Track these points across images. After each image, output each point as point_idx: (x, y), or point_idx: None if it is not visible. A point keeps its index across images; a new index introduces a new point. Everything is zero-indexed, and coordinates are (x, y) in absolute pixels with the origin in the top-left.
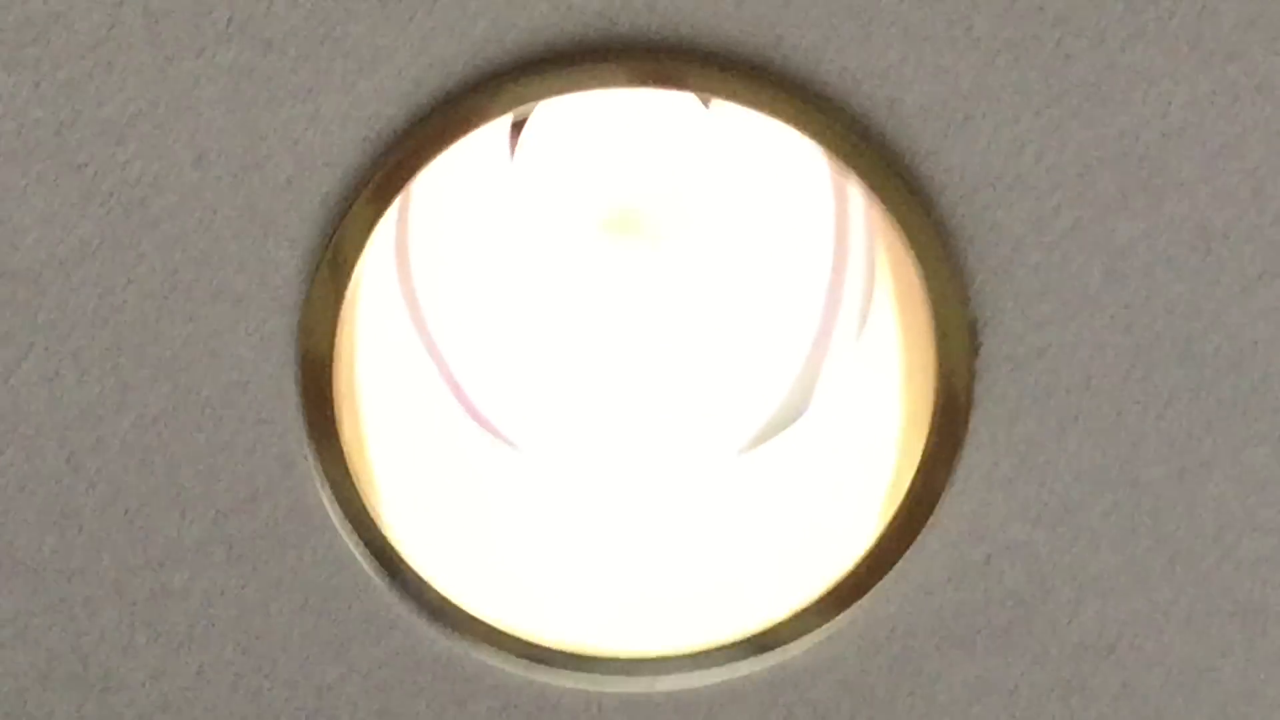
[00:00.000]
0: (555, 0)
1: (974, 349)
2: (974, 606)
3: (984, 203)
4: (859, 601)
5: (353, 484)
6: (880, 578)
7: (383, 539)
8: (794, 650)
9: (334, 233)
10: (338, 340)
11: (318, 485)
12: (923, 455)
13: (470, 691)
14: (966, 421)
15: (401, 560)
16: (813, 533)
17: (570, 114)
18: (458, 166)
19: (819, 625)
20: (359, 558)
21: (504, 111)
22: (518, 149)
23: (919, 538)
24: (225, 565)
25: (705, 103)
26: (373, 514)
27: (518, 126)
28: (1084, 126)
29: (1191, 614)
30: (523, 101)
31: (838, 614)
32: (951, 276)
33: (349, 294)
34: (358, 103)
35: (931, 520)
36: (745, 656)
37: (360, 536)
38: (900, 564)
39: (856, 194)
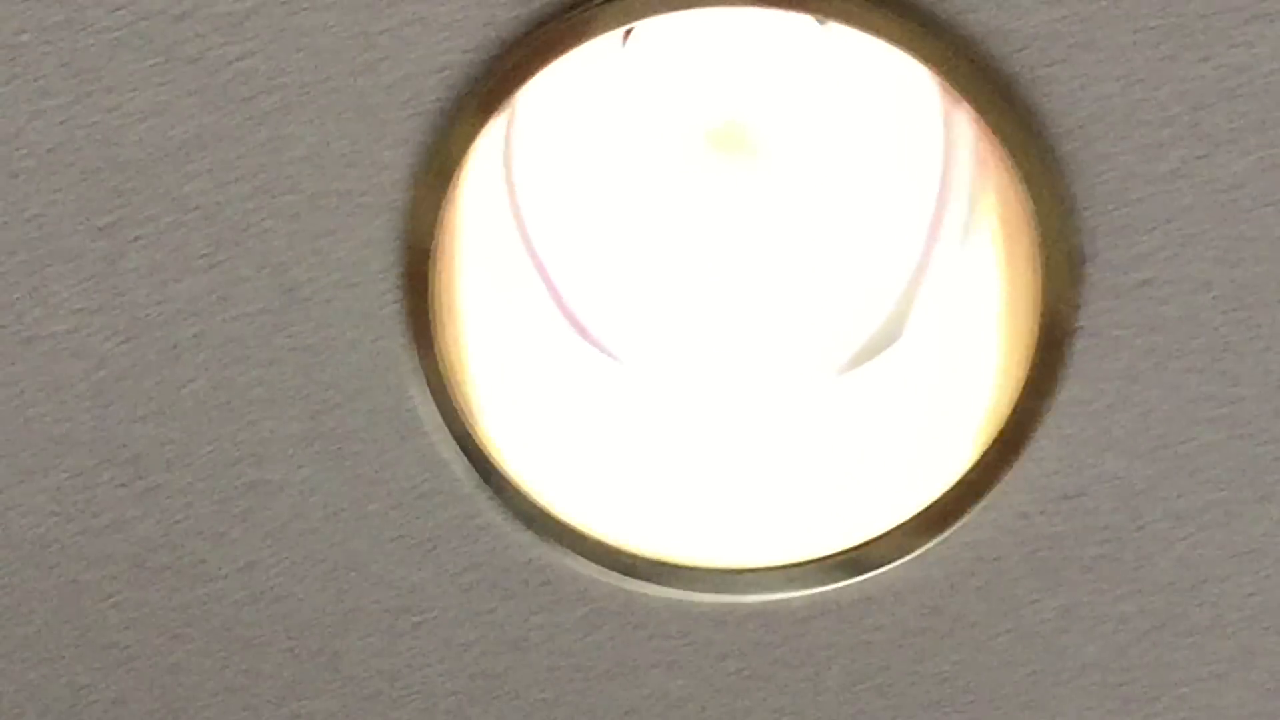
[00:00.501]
0: None
1: (1078, 279)
2: (1066, 537)
3: (1094, 133)
4: (952, 526)
5: (449, 387)
6: (974, 504)
7: (477, 442)
8: (886, 571)
9: (441, 137)
10: (440, 244)
11: (416, 387)
12: (1022, 383)
13: (560, 597)
14: (1067, 351)
15: (495, 464)
16: (908, 456)
17: (682, 27)
18: (568, 76)
19: (912, 548)
20: (453, 460)
21: (617, 25)
22: (628, 60)
23: (1014, 466)
24: (321, 462)
25: (820, 22)
26: (468, 418)
27: (628, 35)
28: (1197, 61)
29: None
30: (636, 15)
31: (931, 538)
32: (1058, 205)
33: (453, 198)
34: (471, 8)
35: (1027, 449)
36: (836, 574)
37: (455, 439)
38: (994, 491)
39: (966, 120)
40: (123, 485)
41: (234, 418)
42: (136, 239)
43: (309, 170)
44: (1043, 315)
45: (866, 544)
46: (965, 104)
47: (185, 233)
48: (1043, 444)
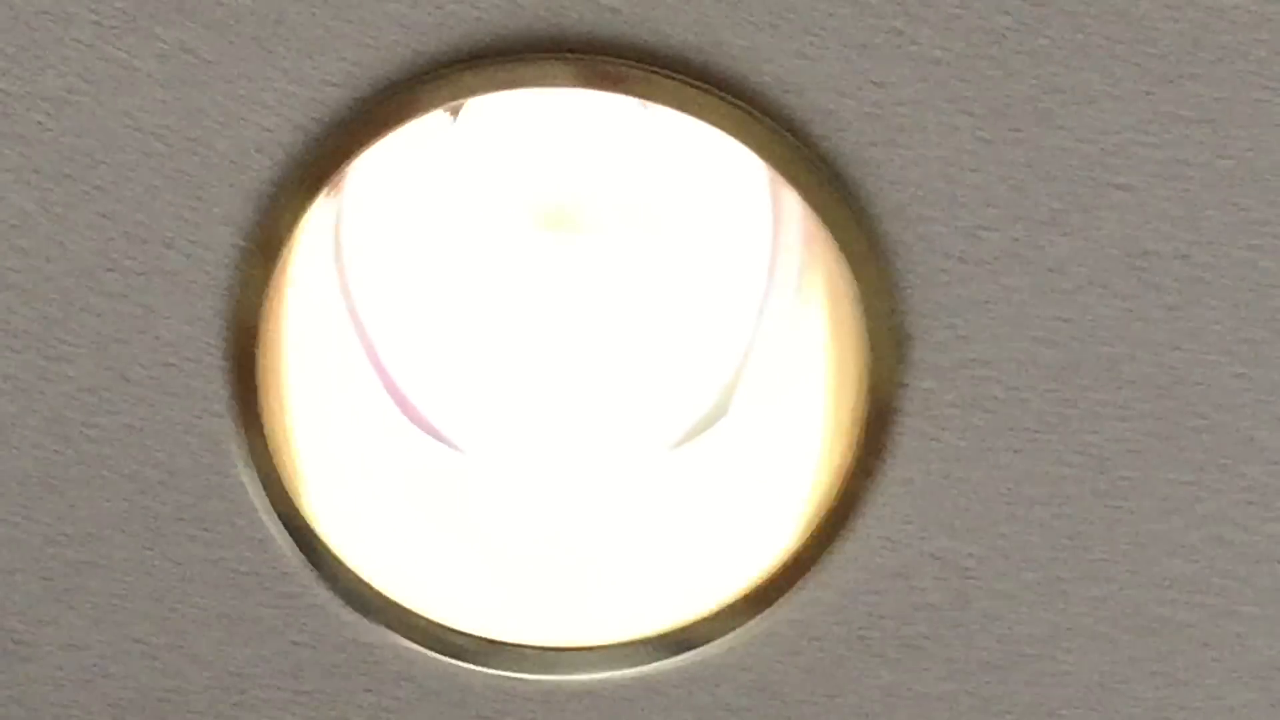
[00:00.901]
0: None
1: (902, 358)
2: (891, 615)
3: (918, 214)
4: (777, 604)
5: (274, 465)
6: (799, 581)
7: (303, 522)
8: (711, 649)
9: (267, 215)
10: (267, 323)
11: (241, 467)
12: (847, 462)
13: (385, 676)
14: (891, 431)
15: (321, 544)
16: (734, 533)
17: (508, 106)
18: (396, 154)
19: (736, 626)
20: (278, 539)
21: (443, 103)
22: (457, 138)
23: (839, 544)
24: (146, 541)
25: (644, 105)
26: (294, 497)
27: (456, 113)
28: (1020, 143)
29: (1105, 632)
30: (462, 94)
31: (755, 615)
32: (883, 286)
33: (280, 277)
34: (298, 86)
35: (852, 527)
36: (662, 653)
37: (281, 519)
38: (819, 569)
39: (791, 202)
40: None
41: (58, 497)
42: None
43: (134, 249)
44: (868, 394)
45: (692, 623)
46: (790, 186)
47: (9, 311)
48: (867, 522)
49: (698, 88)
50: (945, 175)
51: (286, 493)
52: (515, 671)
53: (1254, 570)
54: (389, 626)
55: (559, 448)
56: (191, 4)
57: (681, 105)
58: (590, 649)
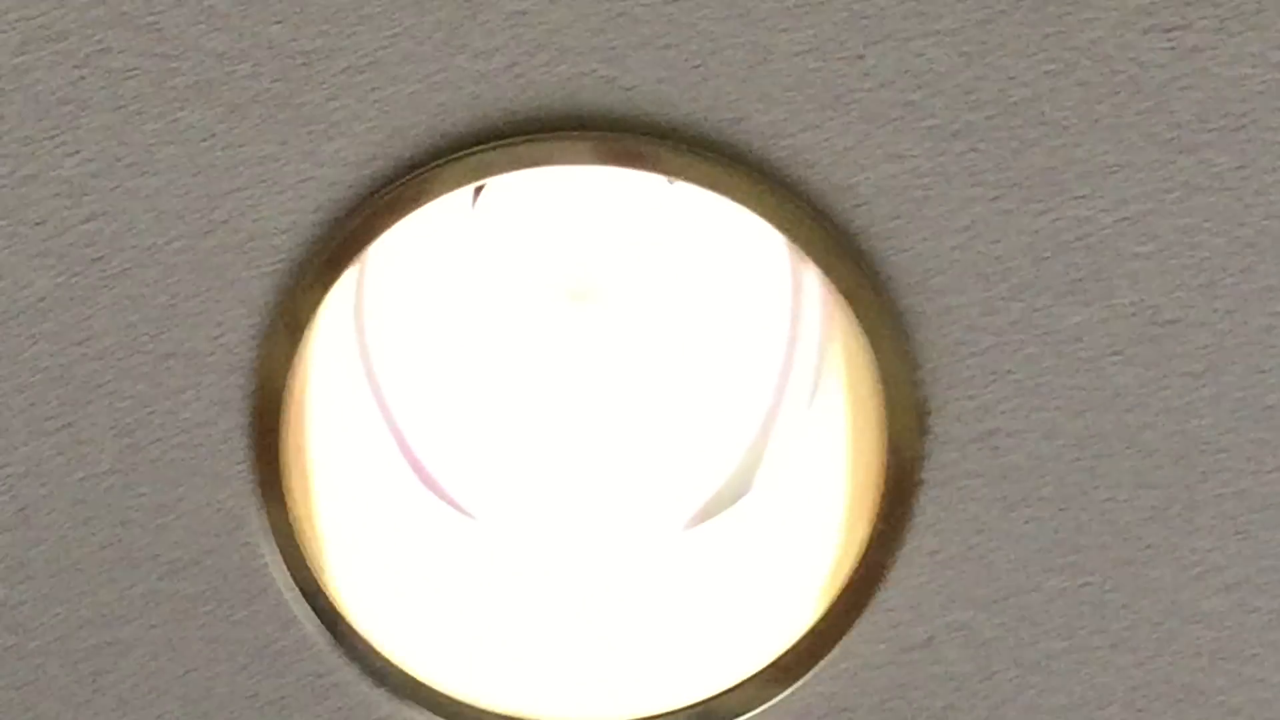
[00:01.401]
0: (519, 75)
1: (923, 430)
2: (916, 686)
3: (936, 286)
4: (802, 677)
5: (299, 545)
6: (823, 655)
7: (327, 600)
8: None
9: (288, 296)
10: (289, 402)
11: (265, 546)
12: (869, 534)
13: None
14: (913, 502)
15: (345, 621)
16: (759, 607)
17: (531, 185)
18: (419, 232)
19: (762, 700)
20: (303, 618)
21: (464, 183)
22: (478, 219)
23: (863, 616)
24: (171, 621)
25: (667, 180)
26: (318, 575)
27: (478, 192)
28: (1037, 214)
29: (1131, 701)
30: (483, 174)
31: (780, 689)
32: (902, 358)
33: (302, 356)
34: (317, 167)
35: (876, 599)
36: None
37: (305, 597)
38: (843, 642)
39: (811, 275)
40: None
41: (83, 579)
42: None
43: (156, 330)
44: (888, 467)
45: (717, 696)
46: (809, 259)
47: (32, 394)
48: (890, 594)
49: (717, 163)
50: (963, 247)
51: (310, 570)
52: None
53: None
54: (415, 703)
55: (582, 522)
56: (211, 88)
57: (701, 181)
58: None
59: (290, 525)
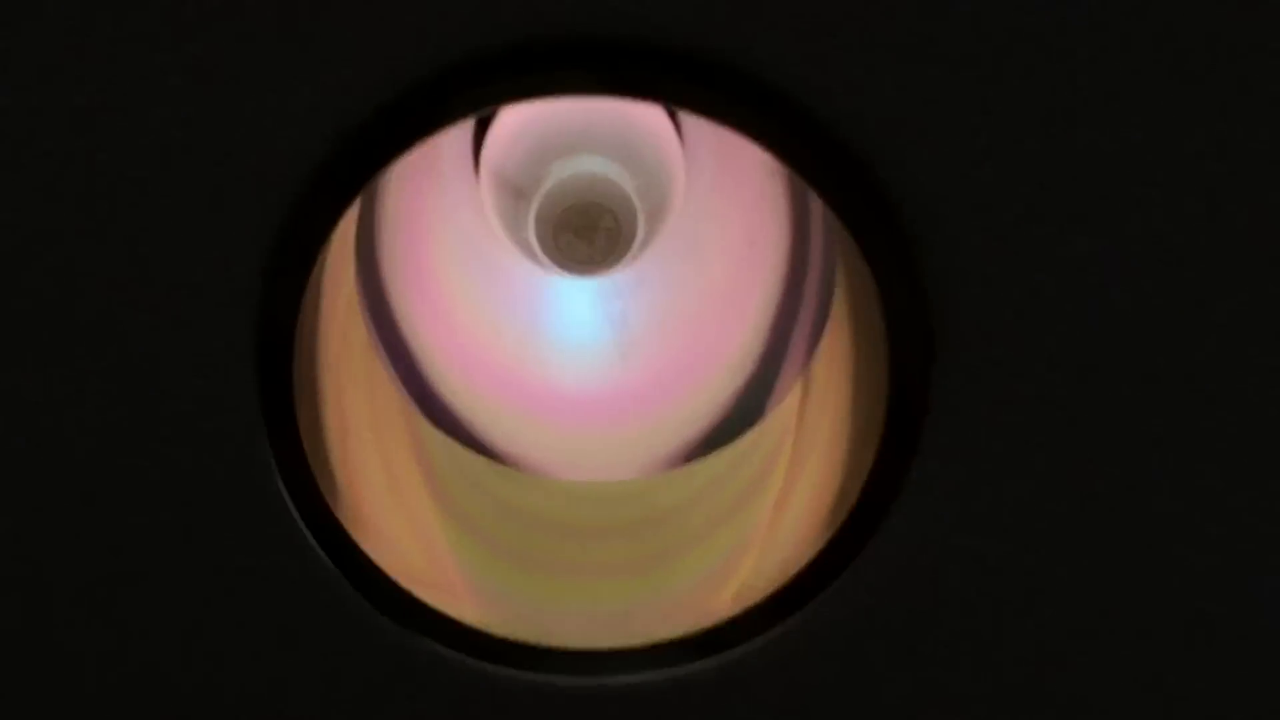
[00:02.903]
0: (523, 3)
1: (929, 358)
2: (923, 612)
3: (943, 215)
4: (809, 604)
5: (309, 474)
6: (831, 582)
7: (338, 529)
8: (743, 650)
9: (296, 223)
10: (297, 332)
11: (275, 475)
12: (875, 461)
13: (423, 682)
14: (919, 429)
15: (356, 550)
16: (766, 534)
17: (534, 115)
18: (423, 164)
19: (769, 627)
20: (314, 547)
21: (469, 112)
22: (482, 149)
23: (869, 543)
24: (180, 552)
25: (669, 110)
26: (329, 504)
27: (483, 126)
28: (1044, 141)
29: (1140, 625)
30: (488, 103)
31: (787, 616)
32: (908, 286)
33: (310, 285)
34: (322, 97)
35: (882, 526)
36: (695, 655)
37: (315, 526)
38: (851, 568)
39: (817, 204)
40: None
41: (93, 510)
42: None
43: (163, 261)
44: (895, 394)
45: (724, 623)
46: (815, 188)
47: (40, 327)
48: (897, 522)
49: (721, 92)
50: (970, 175)
51: (322, 501)
52: (553, 674)
53: None
54: (424, 631)
55: (590, 451)
56: (215, 16)
57: (706, 110)
58: (627, 650)
59: (301, 456)
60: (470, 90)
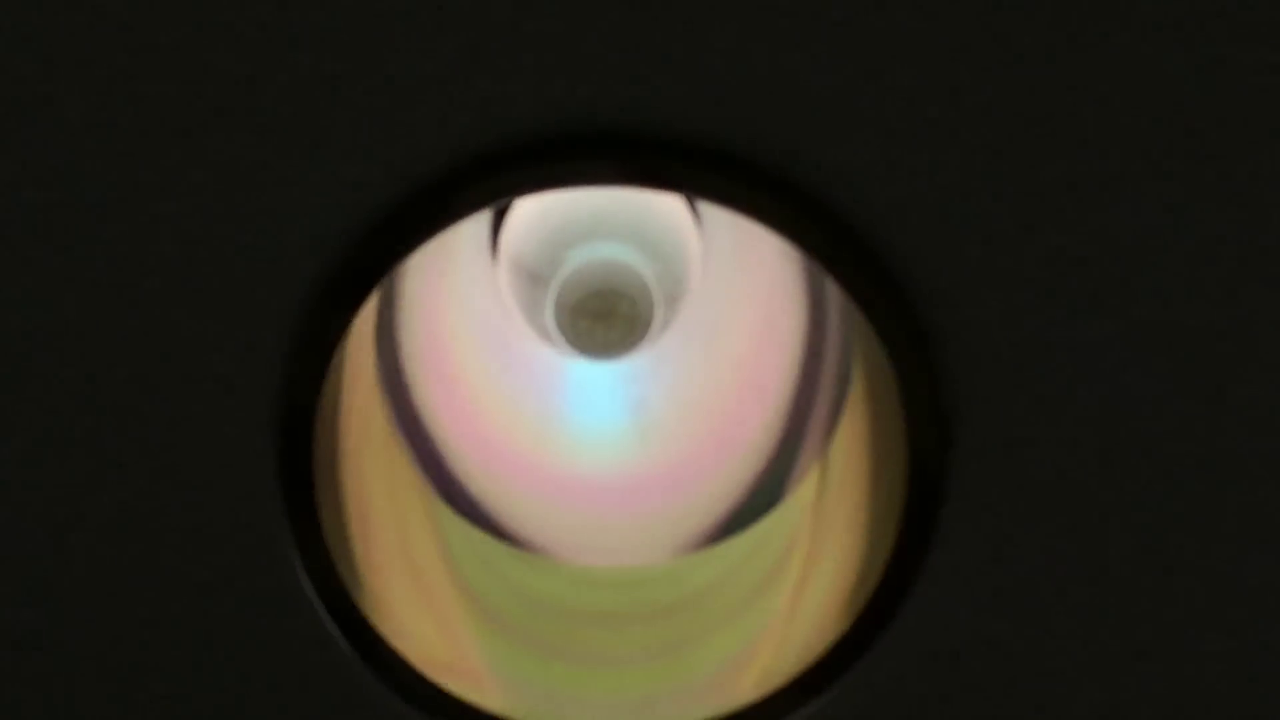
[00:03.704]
0: (540, 94)
1: (946, 444)
2: (942, 699)
3: (958, 300)
4: (829, 689)
5: (330, 564)
6: (850, 668)
7: (359, 617)
8: None
9: (314, 316)
10: (317, 421)
11: (296, 564)
12: (894, 545)
13: None
14: (937, 514)
15: (377, 640)
16: (785, 620)
17: (552, 202)
18: (442, 251)
19: (791, 711)
20: (335, 637)
21: (487, 204)
22: (500, 235)
23: (889, 629)
24: (201, 642)
25: (688, 200)
26: (349, 593)
27: (501, 212)
28: (1058, 227)
29: (1158, 711)
30: (507, 195)
31: (810, 700)
32: (924, 372)
33: (330, 376)
34: (339, 191)
35: (901, 612)
36: None
37: (336, 615)
38: (869, 655)
39: (833, 290)
40: (6, 673)
41: (114, 602)
42: (14, 425)
43: (183, 354)
44: (912, 480)
45: (744, 709)
46: (830, 275)
47: (60, 418)
48: (916, 608)
49: (737, 181)
50: (984, 260)
51: (344, 591)
52: None
53: None
54: None
55: (610, 536)
56: (234, 112)
57: (724, 199)
58: None
59: (321, 545)
60: (489, 183)
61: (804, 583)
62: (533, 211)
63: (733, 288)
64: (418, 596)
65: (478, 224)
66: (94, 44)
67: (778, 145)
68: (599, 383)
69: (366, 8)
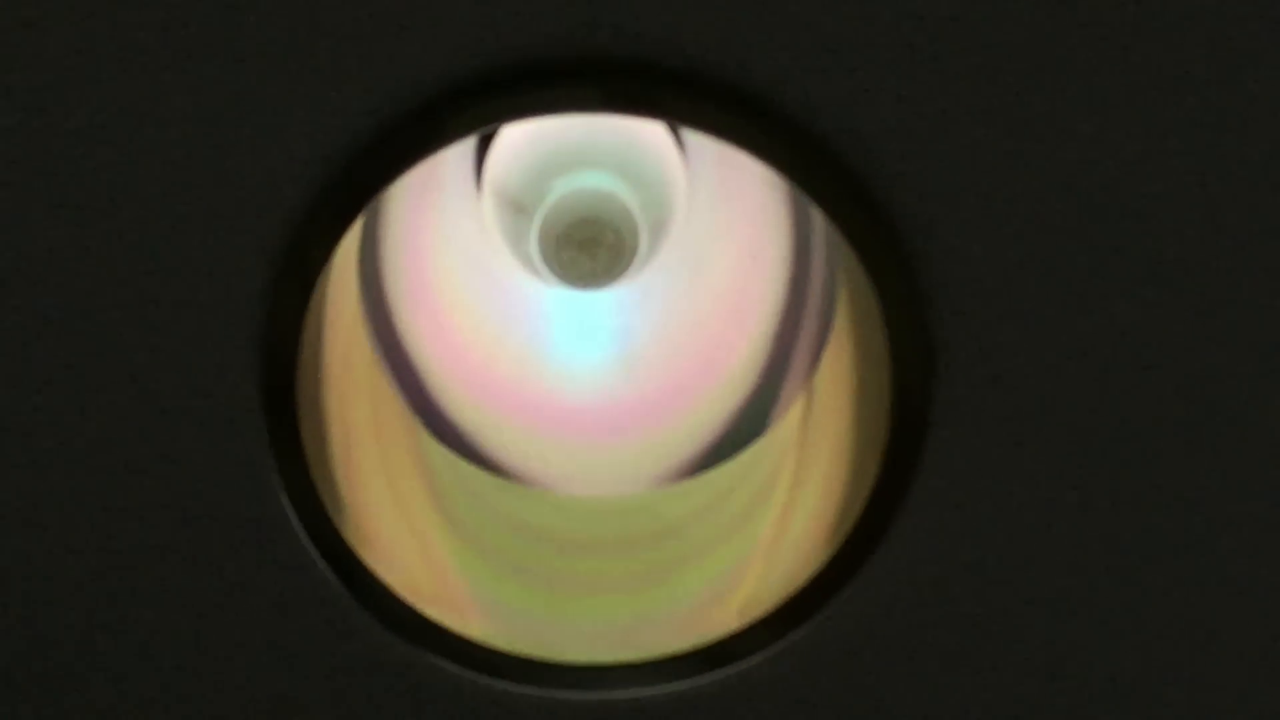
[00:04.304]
0: (525, 20)
1: (930, 372)
2: (928, 626)
3: (943, 228)
4: (813, 618)
5: (315, 493)
6: (834, 596)
7: (342, 545)
8: (748, 664)
9: (298, 243)
10: (301, 351)
11: (279, 493)
12: (878, 474)
13: (429, 698)
14: (922, 442)
15: (360, 567)
16: (771, 548)
17: (536, 132)
18: (425, 180)
19: (773, 640)
20: (318, 564)
21: (470, 131)
22: (485, 165)
23: (873, 557)
24: (186, 572)
25: (673, 129)
26: (333, 521)
27: (485, 142)
28: (1043, 154)
29: (1145, 638)
30: (489, 122)
31: (791, 630)
32: (909, 300)
33: (313, 305)
34: (324, 116)
35: (886, 540)
36: (700, 669)
37: (319, 543)
38: (854, 582)
39: (818, 218)
40: None
41: (97, 529)
42: None
43: (167, 280)
44: (897, 408)
45: (730, 636)
46: (815, 203)
47: (43, 346)
48: (901, 534)
49: (722, 108)
50: (970, 188)
51: (327, 519)
52: (558, 689)
53: None
54: (432, 649)
55: (594, 465)
56: (215, 38)
57: (708, 127)
58: (632, 665)
59: (305, 474)
60: (472, 109)
61: (788, 511)
62: (517, 141)
63: (718, 217)
64: (402, 525)
65: (462, 153)
66: None
67: (762, 72)
68: (584, 312)
69: None
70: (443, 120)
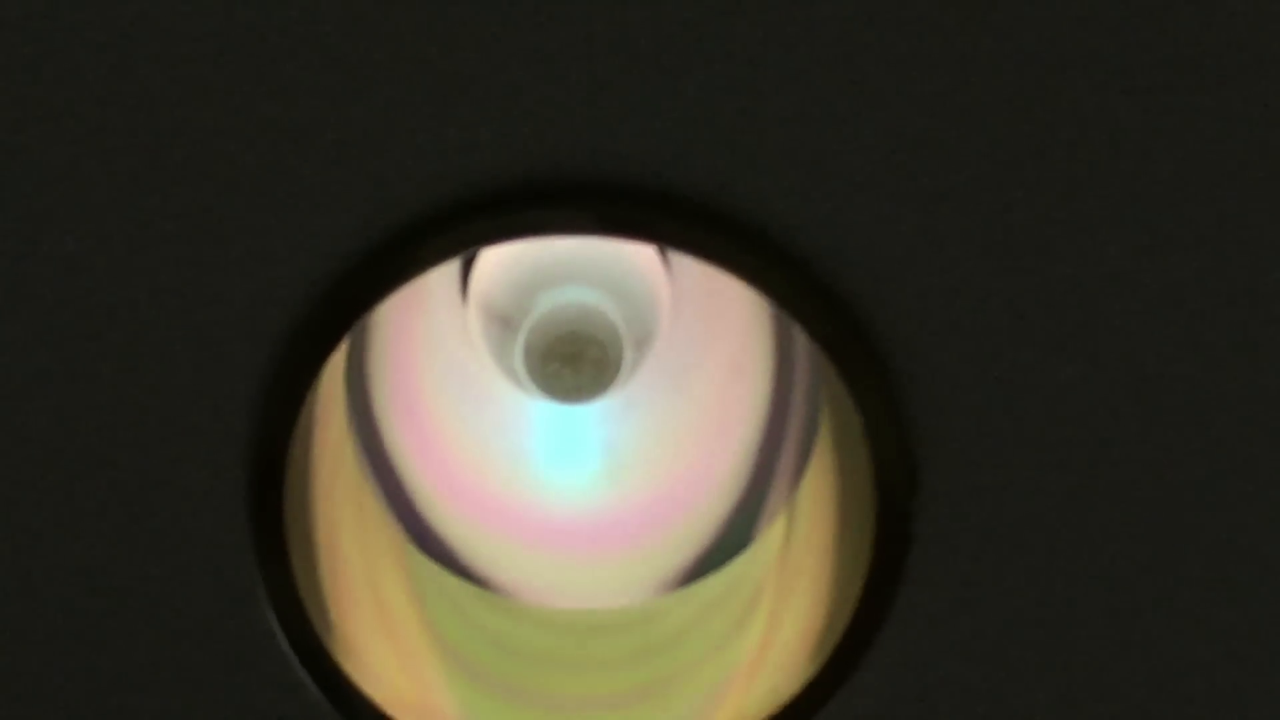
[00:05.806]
0: (510, 143)
1: (913, 488)
2: None
3: (924, 346)
4: None
5: (300, 608)
6: (818, 711)
7: (329, 662)
8: None
9: (282, 366)
10: (288, 469)
11: (266, 609)
12: (861, 590)
13: None
14: (905, 559)
15: (349, 686)
16: (752, 665)
17: (522, 247)
18: (412, 296)
19: None
20: (305, 683)
21: (457, 253)
22: (470, 279)
23: (857, 672)
24: (174, 690)
25: (659, 249)
26: (319, 637)
27: (470, 257)
28: (1022, 273)
29: None
30: (476, 244)
31: None
32: (891, 417)
33: (300, 424)
34: (309, 239)
35: (869, 654)
36: None
37: (306, 660)
38: (837, 698)
39: (800, 337)
40: None
41: (85, 650)
42: None
43: (154, 404)
44: (879, 524)
45: None
46: (797, 322)
47: (31, 469)
48: (883, 651)
49: (705, 230)
50: (950, 306)
51: (314, 634)
52: None
53: None
54: None
55: (580, 578)
56: (203, 164)
57: (690, 247)
58: None
59: (292, 592)
60: (458, 232)
61: (773, 626)
62: (503, 256)
63: (701, 332)
64: (387, 640)
65: (448, 268)
66: (65, 96)
67: (745, 195)
68: (569, 426)
69: (334, 57)
70: (427, 244)
